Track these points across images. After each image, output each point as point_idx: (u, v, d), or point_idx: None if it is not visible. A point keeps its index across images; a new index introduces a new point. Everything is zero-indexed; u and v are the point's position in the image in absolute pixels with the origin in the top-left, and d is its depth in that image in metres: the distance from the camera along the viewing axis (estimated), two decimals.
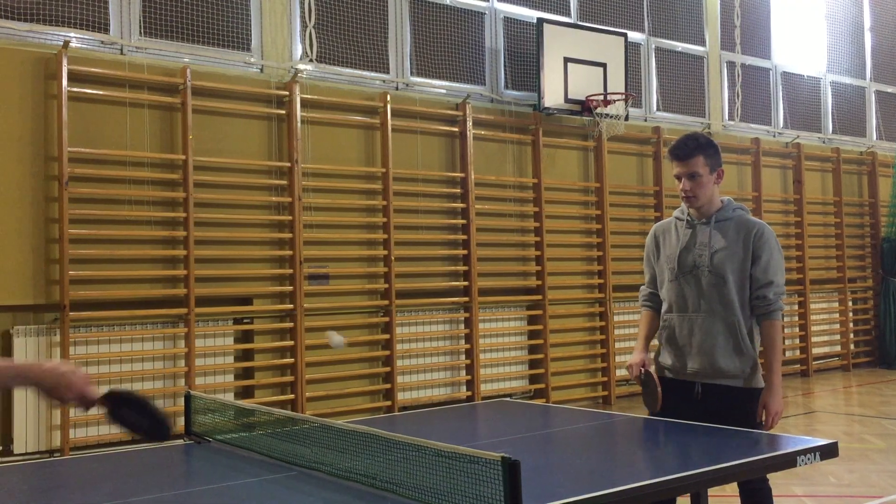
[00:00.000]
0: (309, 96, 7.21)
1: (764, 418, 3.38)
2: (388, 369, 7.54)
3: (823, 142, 11.70)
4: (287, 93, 7.12)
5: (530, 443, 3.14)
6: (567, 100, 8.57)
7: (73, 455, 5.71)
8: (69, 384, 2.08)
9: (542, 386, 8.47)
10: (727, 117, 10.63)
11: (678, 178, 3.51)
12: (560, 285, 8.75)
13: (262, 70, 7.16)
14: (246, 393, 6.88)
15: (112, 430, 6.14)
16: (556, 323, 8.66)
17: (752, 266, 3.42)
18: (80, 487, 2.74)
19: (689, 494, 2.76)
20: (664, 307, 3.60)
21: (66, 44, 6.12)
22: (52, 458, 5.63)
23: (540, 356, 8.50)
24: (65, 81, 6.06)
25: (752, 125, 10.87)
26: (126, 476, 2.80)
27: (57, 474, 3.06)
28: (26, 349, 5.93)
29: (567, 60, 8.55)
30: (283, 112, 7.13)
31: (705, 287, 3.44)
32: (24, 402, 5.90)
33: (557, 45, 8.51)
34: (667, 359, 3.56)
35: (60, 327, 6.00)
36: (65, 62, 6.06)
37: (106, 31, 6.45)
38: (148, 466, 2.94)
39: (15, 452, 5.84)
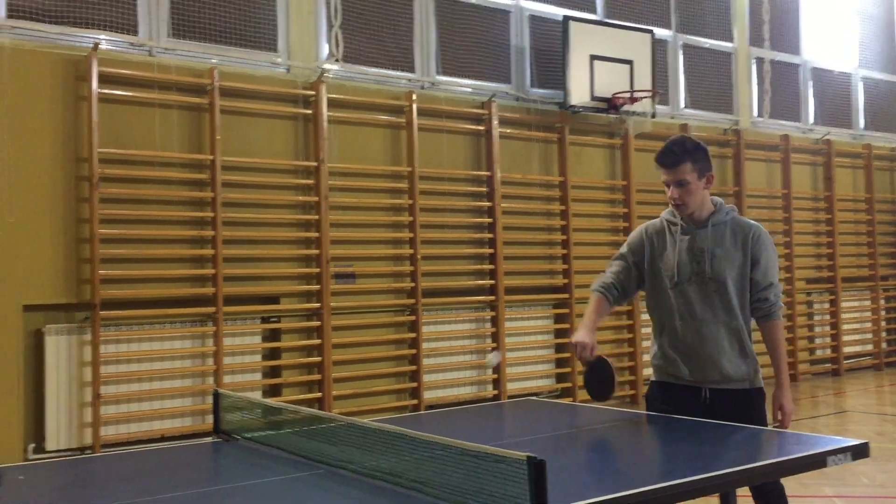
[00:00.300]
0: (335, 96, 7.24)
1: (779, 419, 3.35)
2: (414, 368, 7.56)
3: (854, 138, 11.54)
4: (313, 93, 7.16)
5: (556, 442, 3.13)
6: (593, 97, 8.53)
7: (103, 452, 5.78)
8: None
9: (569, 385, 8.44)
10: (756, 114, 10.52)
11: (666, 185, 3.43)
12: (587, 284, 8.69)
13: (288, 70, 7.20)
14: (273, 391, 6.93)
15: (141, 429, 6.21)
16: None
17: (753, 269, 3.37)
18: (111, 484, 2.77)
19: (718, 495, 2.74)
20: (662, 314, 3.48)
21: (96, 46, 6.20)
22: (84, 456, 5.71)
23: (566, 355, 8.48)
24: (95, 83, 6.14)
25: (782, 122, 10.74)
26: (155, 473, 2.83)
27: (88, 471, 3.10)
28: (58, 348, 6.02)
29: (593, 58, 8.51)
30: (310, 112, 7.16)
31: (707, 293, 3.38)
32: (57, 401, 5.98)
33: (583, 42, 8.47)
34: (671, 366, 3.48)
35: (91, 326, 6.07)
36: (95, 64, 6.14)
37: (135, 32, 6.53)
38: (177, 464, 2.97)
39: (48, 449, 5.93)
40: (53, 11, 6.18)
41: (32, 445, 5.91)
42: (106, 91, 6.23)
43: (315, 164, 7.13)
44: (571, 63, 8.38)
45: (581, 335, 3.41)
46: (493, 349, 3.75)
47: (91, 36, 6.28)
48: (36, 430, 5.96)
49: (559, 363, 8.55)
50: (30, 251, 5.95)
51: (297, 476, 2.61)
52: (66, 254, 6.09)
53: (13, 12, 6.04)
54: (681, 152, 3.37)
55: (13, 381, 5.85)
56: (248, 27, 7.05)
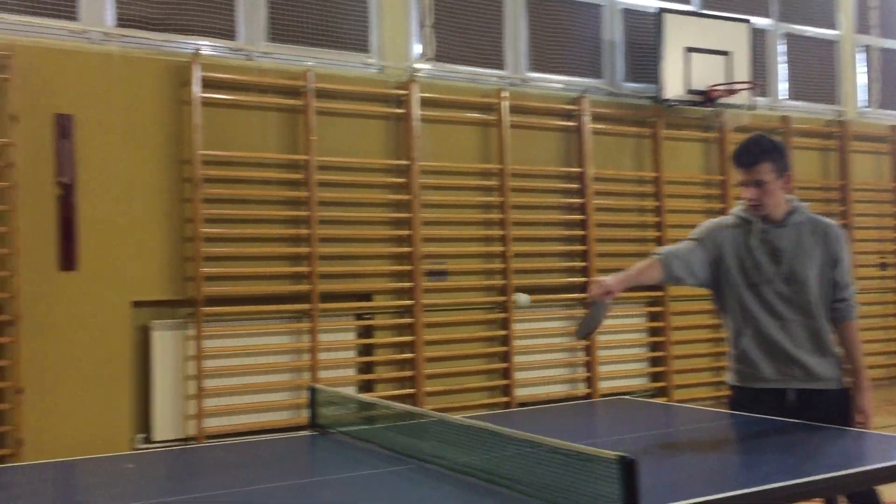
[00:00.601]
0: (426, 95, 7.31)
1: (860, 421, 3.25)
2: (505, 365, 7.56)
3: None
4: (405, 92, 7.24)
5: (649, 442, 3.08)
6: (688, 91, 8.34)
7: (206, 443, 6.00)
8: None
9: (664, 384, 8.28)
10: (863, 104, 10.07)
11: (743, 185, 3.32)
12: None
13: (381, 70, 7.30)
14: (367, 387, 7.05)
15: (241, 421, 6.42)
16: (679, 320, 8.45)
17: (834, 269, 3.29)
18: (213, 474, 2.88)
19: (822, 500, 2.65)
20: (739, 316, 3.37)
21: (198, 52, 6.43)
22: (188, 446, 5.94)
23: (661, 354, 8.32)
24: (197, 87, 6.37)
25: (891, 112, 10.25)
26: (255, 464, 2.93)
27: (192, 461, 3.23)
28: (164, 343, 6.28)
29: (688, 50, 8.31)
30: (402, 111, 7.25)
31: (787, 294, 3.29)
32: (162, 394, 6.25)
33: (678, 34, 8.28)
34: (753, 368, 3.38)
35: (195, 322, 6.31)
36: (196, 69, 6.37)
37: (234, 38, 6.75)
38: (275, 455, 3.06)
39: (154, 440, 6.20)
40: (158, 19, 6.45)
41: (140, 436, 6.19)
42: (207, 95, 6.45)
43: (407, 162, 7.22)
44: (666, 56, 8.22)
45: (609, 278, 3.26)
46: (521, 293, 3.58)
47: (193, 42, 6.52)
48: (143, 421, 6.24)
49: (653, 362, 8.41)
50: (138, 250, 6.23)
51: (389, 470, 2.66)
52: (171, 253, 6.35)
53: (122, 21, 6.33)
54: (759, 152, 3.27)
55: (122, 375, 6.14)
56: (342, 29, 7.19)
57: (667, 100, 8.28)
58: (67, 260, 5.97)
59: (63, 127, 6.00)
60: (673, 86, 8.26)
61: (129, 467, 2.97)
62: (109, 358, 6.08)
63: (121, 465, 3.03)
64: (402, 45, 7.42)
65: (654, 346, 8.41)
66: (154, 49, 6.42)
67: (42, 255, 5.90)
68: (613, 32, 8.46)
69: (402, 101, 7.28)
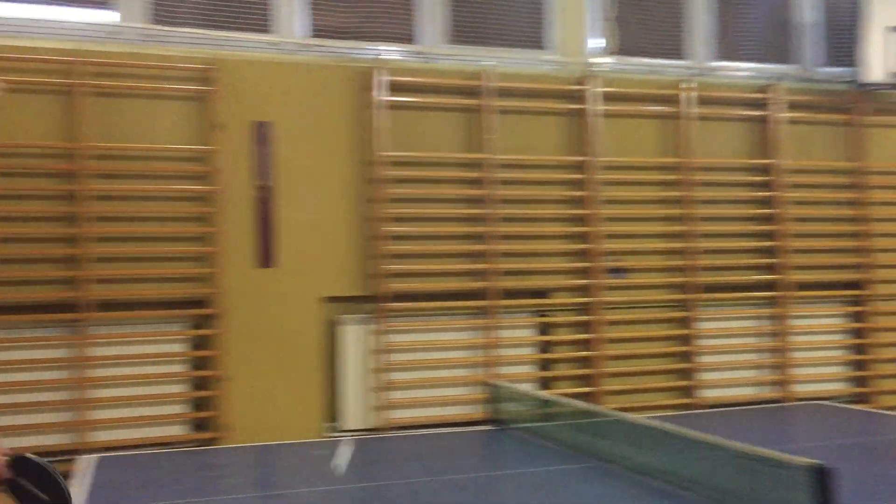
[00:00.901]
0: (605, 89, 7.20)
1: None
2: (688, 365, 7.31)
3: None
4: (583, 87, 7.17)
5: (849, 450, 2.89)
6: (893, 73, 7.69)
7: (391, 434, 6.23)
8: None
9: (867, 390, 7.70)
10: None
11: None
12: (888, 279, 7.90)
13: (558, 66, 7.27)
14: (545, 384, 7.04)
15: (423, 414, 6.61)
16: (885, 320, 7.83)
17: None
18: (397, 462, 2.99)
19: None
20: None
21: (380, 57, 6.69)
22: (373, 436, 6.18)
23: (864, 357, 7.74)
24: (379, 91, 6.62)
25: None
26: (435, 456, 3.02)
27: (377, 450, 3.37)
28: (351, 337, 6.58)
29: (892, 30, 7.67)
30: (580, 107, 7.18)
31: None
32: (350, 385, 6.55)
33: (882, 12, 7.67)
34: None
35: (379, 317, 6.57)
36: (379, 74, 6.62)
37: (414, 41, 6.95)
38: (454, 449, 3.14)
39: (342, 429, 6.51)
40: (344, 28, 6.78)
41: (330, 424, 6.52)
42: (389, 98, 6.69)
43: (585, 158, 7.14)
44: (866, 37, 7.62)
45: None
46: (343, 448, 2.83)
47: (376, 48, 6.78)
48: (332, 411, 6.57)
49: (855, 366, 7.84)
50: (328, 249, 6.56)
51: (568, 468, 2.65)
52: (358, 250, 6.64)
53: (313, 32, 6.70)
54: None
55: (314, 366, 6.49)
56: (519, 27, 7.23)
57: (868, 84, 7.68)
58: (265, 258, 6.40)
59: (261, 133, 6.43)
60: (874, 68, 7.66)
61: (320, 453, 3.13)
62: (302, 350, 6.46)
63: (312, 451, 3.21)
64: (580, 39, 7.35)
65: (856, 349, 7.83)
66: (341, 56, 6.74)
67: (242, 254, 6.35)
68: (806, 15, 7.96)
69: (580, 97, 7.21)
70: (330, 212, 6.59)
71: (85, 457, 3.51)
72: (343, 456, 2.71)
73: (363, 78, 6.69)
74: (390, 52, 6.86)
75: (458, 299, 6.83)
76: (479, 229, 6.90)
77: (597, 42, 7.42)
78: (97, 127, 6.01)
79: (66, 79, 5.95)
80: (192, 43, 6.37)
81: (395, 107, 6.73)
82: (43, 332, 5.90)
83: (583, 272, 7.15)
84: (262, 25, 6.61)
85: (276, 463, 3.11)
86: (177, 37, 6.35)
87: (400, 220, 6.69)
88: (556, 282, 7.13)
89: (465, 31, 7.09)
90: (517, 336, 7.01)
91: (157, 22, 6.32)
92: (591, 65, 7.24)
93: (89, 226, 5.95)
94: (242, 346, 6.28)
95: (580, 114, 7.20)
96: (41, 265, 5.91)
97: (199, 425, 6.24)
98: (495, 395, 3.46)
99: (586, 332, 7.13)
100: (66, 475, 2.33)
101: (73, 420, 5.83)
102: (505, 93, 6.99)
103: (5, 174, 5.83)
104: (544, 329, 7.18)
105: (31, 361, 5.83)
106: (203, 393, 6.23)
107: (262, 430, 6.11)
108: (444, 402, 6.71)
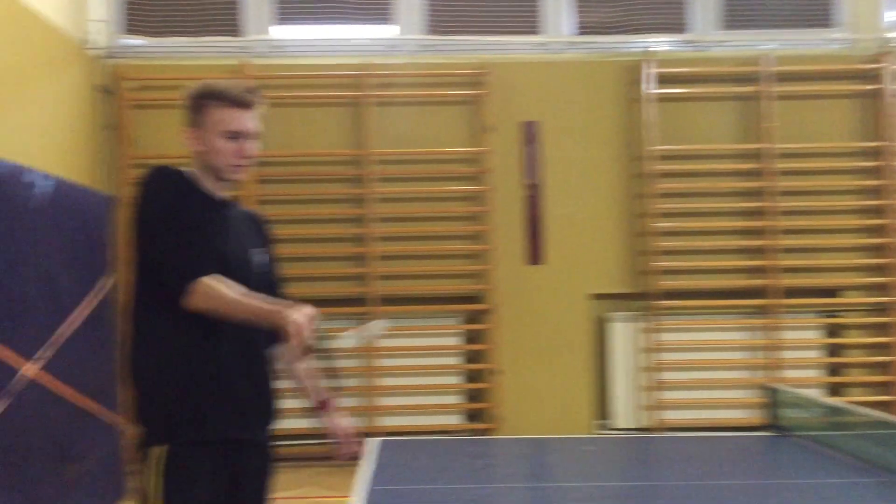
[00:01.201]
0: None
1: None
2: None
3: None
4: (879, 65, 6.50)
5: None
6: None
7: (663, 435, 6.07)
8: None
9: None
10: None
11: None
12: None
13: (848, 44, 6.66)
14: (834, 390, 6.49)
15: (696, 416, 6.36)
16: None
17: None
18: (669, 465, 2.92)
19: None
20: None
21: (648, 49, 6.54)
22: (643, 436, 6.07)
23: None
24: (648, 84, 6.47)
25: None
26: (711, 460, 2.90)
27: (646, 450, 3.31)
28: (621, 334, 6.50)
29: None
30: (875, 87, 6.52)
31: None
32: (620, 383, 6.48)
33: None
34: None
35: (650, 315, 6.43)
36: (647, 66, 6.48)
37: (685, 30, 6.71)
38: (731, 453, 3.00)
39: (612, 427, 6.45)
40: (610, 23, 6.71)
41: (599, 422, 6.49)
42: (659, 91, 6.52)
43: (882, 143, 6.47)
44: None
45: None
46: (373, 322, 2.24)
47: (643, 41, 6.64)
48: (601, 408, 6.53)
49: None
50: (596, 245, 6.54)
51: (858, 481, 2.43)
52: (626, 247, 6.54)
53: (580, 29, 6.72)
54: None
55: (582, 362, 6.50)
56: (802, 4, 6.73)
57: None
58: (534, 255, 6.52)
59: (529, 133, 6.56)
60: None
61: (589, 450, 3.15)
62: (571, 346, 6.49)
63: (582, 448, 3.23)
64: (874, 13, 6.67)
65: None
66: (608, 51, 6.68)
67: (512, 251, 6.51)
68: None
69: (874, 76, 6.54)
70: (597, 208, 6.56)
71: (371, 439, 3.81)
72: (365, 333, 2.32)
73: (631, 72, 6.58)
74: (659, 43, 6.68)
75: (734, 298, 6.50)
76: (758, 223, 6.50)
77: (894, 15, 6.69)
78: (379, 134, 6.47)
79: (353, 91, 6.47)
80: (463, 50, 6.65)
81: (664, 99, 6.54)
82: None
83: (879, 269, 6.48)
84: (530, 27, 6.73)
85: (546, 456, 3.17)
86: (450, 45, 6.66)
87: (670, 215, 6.50)
88: (847, 280, 6.55)
89: (740, 14, 6.71)
90: (801, 338, 6.52)
91: (433, 32, 6.67)
92: (888, 40, 6.54)
93: (374, 226, 6.42)
94: (512, 340, 6.44)
95: (875, 95, 6.53)
96: (332, 263, 6.48)
97: (473, 416, 6.50)
98: (775, 400, 3.26)
99: (884, 336, 6.46)
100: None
101: (363, 405, 6.30)
102: (785, 77, 6.53)
103: (300, 181, 6.46)
104: (833, 331, 6.62)
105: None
106: (476, 385, 6.48)
107: (532, 423, 6.23)
108: (719, 405, 6.41)
